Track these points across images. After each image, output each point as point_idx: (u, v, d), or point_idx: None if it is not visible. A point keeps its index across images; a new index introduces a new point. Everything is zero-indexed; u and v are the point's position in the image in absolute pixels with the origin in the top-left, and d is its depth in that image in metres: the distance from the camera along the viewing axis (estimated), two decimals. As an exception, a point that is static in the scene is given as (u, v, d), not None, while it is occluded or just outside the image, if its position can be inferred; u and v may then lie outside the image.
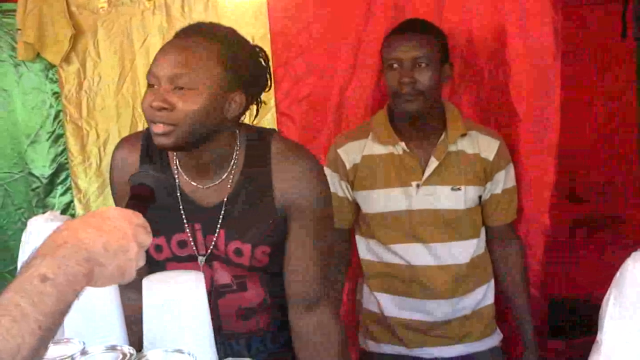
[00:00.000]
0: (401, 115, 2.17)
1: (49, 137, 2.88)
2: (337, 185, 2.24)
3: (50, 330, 0.89)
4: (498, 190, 2.23)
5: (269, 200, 1.59)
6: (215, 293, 1.67)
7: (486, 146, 2.20)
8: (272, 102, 2.61)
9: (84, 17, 2.73)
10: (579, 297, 2.75)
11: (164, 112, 1.47)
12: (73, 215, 2.84)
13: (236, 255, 1.63)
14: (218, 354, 1.43)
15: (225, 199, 1.61)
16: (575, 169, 2.72)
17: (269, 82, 1.63)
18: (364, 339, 2.37)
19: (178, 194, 1.63)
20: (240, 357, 1.57)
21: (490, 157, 2.20)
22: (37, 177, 2.91)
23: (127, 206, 1.16)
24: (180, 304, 1.32)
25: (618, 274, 1.17)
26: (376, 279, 2.29)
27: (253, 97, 1.61)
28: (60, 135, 2.86)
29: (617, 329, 1.14)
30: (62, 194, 2.92)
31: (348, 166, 2.23)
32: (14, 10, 2.72)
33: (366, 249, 2.29)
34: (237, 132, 1.62)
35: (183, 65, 1.47)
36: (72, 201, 2.89)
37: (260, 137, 1.64)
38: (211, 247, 1.63)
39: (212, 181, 1.62)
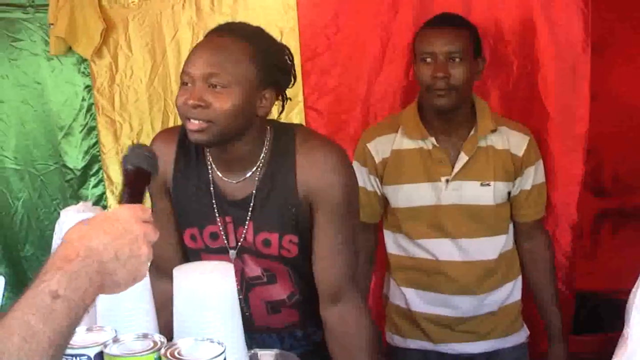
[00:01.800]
0: (432, 109, 2.16)
1: (82, 129, 2.92)
2: (365, 180, 2.24)
3: (60, 346, 0.88)
4: (527, 186, 2.21)
5: (291, 190, 1.62)
6: (245, 285, 1.71)
7: (516, 142, 2.18)
8: (300, 96, 2.62)
9: (114, 11, 2.76)
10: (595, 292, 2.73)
11: (200, 109, 1.51)
12: (105, 207, 2.88)
13: (264, 246, 1.66)
14: (251, 346, 1.46)
15: (254, 192, 1.64)
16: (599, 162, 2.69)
17: (293, 79, 1.67)
18: (390, 333, 2.37)
19: (211, 188, 1.67)
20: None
21: (520, 153, 2.18)
22: (71, 169, 2.96)
23: (126, 194, 1.14)
24: (210, 293, 1.34)
25: (645, 267, 1.16)
26: (403, 273, 2.29)
27: (280, 93, 1.65)
28: (93, 128, 2.90)
29: (644, 322, 1.13)
30: (95, 186, 2.96)
31: (377, 160, 2.23)
32: (47, 5, 2.76)
33: (393, 243, 2.29)
34: (268, 128, 1.66)
35: (217, 65, 1.52)
36: (104, 193, 2.93)
37: (285, 131, 1.67)
38: (241, 239, 1.67)
39: (242, 175, 1.65)
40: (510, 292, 2.27)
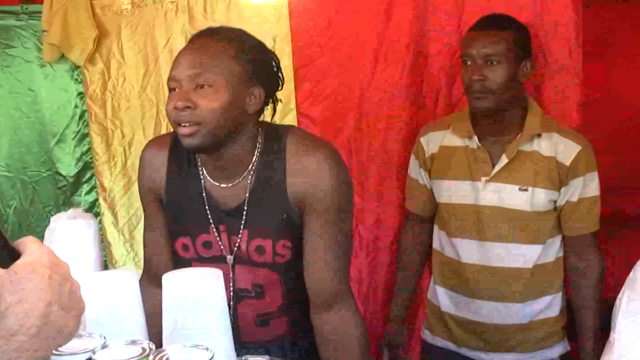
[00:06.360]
0: (473, 111, 2.17)
1: (75, 136, 2.92)
2: (417, 172, 2.32)
3: None
4: (574, 198, 2.12)
5: (282, 196, 1.60)
6: (234, 297, 1.68)
7: (564, 150, 2.10)
8: (293, 103, 2.62)
9: (108, 18, 2.77)
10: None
11: (188, 111, 1.51)
12: (97, 214, 2.88)
13: (258, 253, 1.64)
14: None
15: (246, 199, 1.62)
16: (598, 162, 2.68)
17: (280, 82, 1.67)
18: (424, 328, 2.40)
19: (204, 195, 1.65)
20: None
21: (567, 162, 2.09)
22: (63, 176, 2.96)
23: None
24: (199, 300, 1.34)
25: (631, 273, 1.17)
26: (438, 270, 2.31)
27: (270, 94, 1.64)
28: (85, 135, 2.91)
29: (631, 328, 1.14)
30: (88, 193, 2.96)
31: (427, 155, 2.28)
32: (40, 12, 2.77)
33: (437, 238, 2.31)
34: (259, 130, 1.64)
35: (201, 64, 1.51)
36: (97, 200, 2.94)
37: (277, 133, 1.65)
38: (235, 248, 1.65)
39: (234, 181, 1.64)
40: (546, 307, 2.20)
